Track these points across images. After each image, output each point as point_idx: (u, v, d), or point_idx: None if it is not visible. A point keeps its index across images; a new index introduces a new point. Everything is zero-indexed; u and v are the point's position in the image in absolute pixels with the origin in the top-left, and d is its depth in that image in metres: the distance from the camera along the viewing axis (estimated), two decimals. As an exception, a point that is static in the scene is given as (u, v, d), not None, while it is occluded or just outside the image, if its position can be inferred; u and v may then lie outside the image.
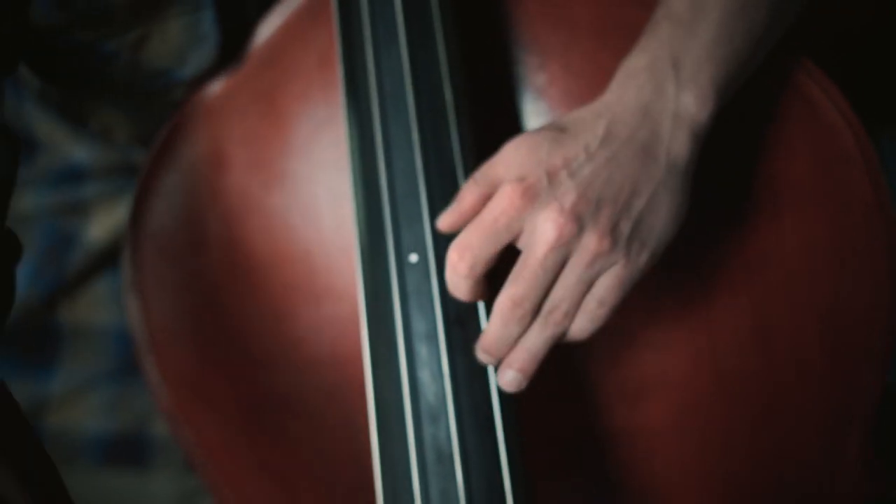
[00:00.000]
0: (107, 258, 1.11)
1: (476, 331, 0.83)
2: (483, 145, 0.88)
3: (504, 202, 0.78)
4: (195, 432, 0.99)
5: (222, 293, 0.95)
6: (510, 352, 0.80)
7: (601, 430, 0.89)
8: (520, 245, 0.79)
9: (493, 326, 0.79)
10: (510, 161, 0.79)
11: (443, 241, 0.83)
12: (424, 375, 0.82)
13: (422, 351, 0.82)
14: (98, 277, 1.13)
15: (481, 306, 0.83)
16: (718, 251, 0.88)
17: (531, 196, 0.78)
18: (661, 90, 0.80)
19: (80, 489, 1.16)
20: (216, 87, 0.97)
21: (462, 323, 0.82)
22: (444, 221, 0.82)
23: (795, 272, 0.88)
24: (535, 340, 0.80)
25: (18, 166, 0.88)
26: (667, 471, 0.90)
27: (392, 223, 0.84)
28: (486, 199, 0.80)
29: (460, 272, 0.79)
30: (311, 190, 0.93)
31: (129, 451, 1.16)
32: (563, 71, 0.90)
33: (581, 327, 0.80)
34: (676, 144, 0.80)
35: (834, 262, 0.88)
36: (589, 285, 0.79)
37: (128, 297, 1.01)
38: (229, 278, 0.95)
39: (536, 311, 0.79)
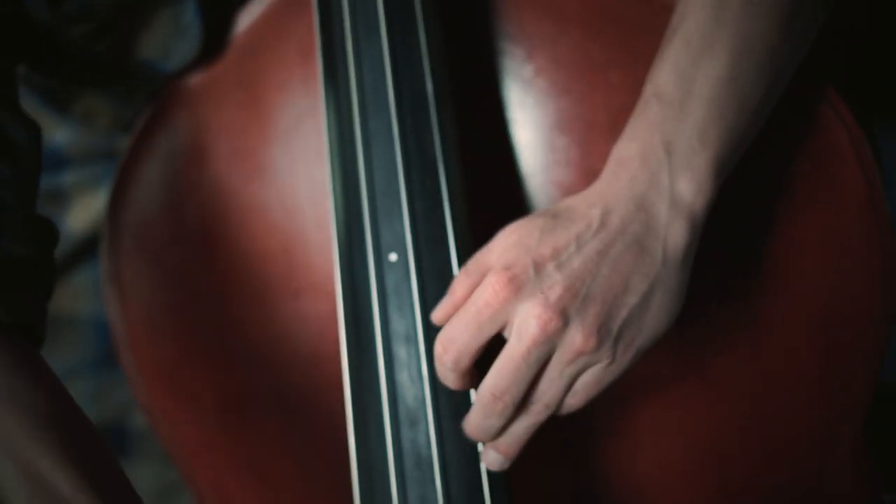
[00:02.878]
0: (87, 248, 1.10)
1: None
2: (466, 141, 0.86)
3: (488, 293, 0.74)
4: (173, 428, 0.98)
5: (201, 287, 0.94)
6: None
7: (586, 429, 0.87)
8: (505, 335, 0.76)
9: (475, 415, 0.77)
10: (500, 248, 0.76)
11: (423, 240, 0.81)
12: (403, 378, 0.80)
13: (401, 353, 0.80)
14: (79, 267, 1.11)
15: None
16: (708, 249, 0.86)
17: (516, 287, 0.74)
18: (655, 180, 0.76)
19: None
20: (195, 77, 0.95)
21: (443, 326, 0.80)
22: (438, 315, 0.79)
23: (786, 271, 0.86)
24: (517, 429, 0.77)
25: (42, 151, 0.86)
26: (654, 471, 0.88)
27: (371, 220, 0.82)
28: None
29: (446, 364, 0.76)
30: (291, 183, 0.91)
31: (109, 441, 1.14)
32: (551, 62, 0.87)
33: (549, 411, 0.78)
34: (673, 236, 0.76)
35: (825, 261, 0.86)
36: (571, 381, 0.76)
37: (106, 289, 0.99)
38: (208, 272, 0.93)
39: (518, 404, 0.76)
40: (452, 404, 0.79)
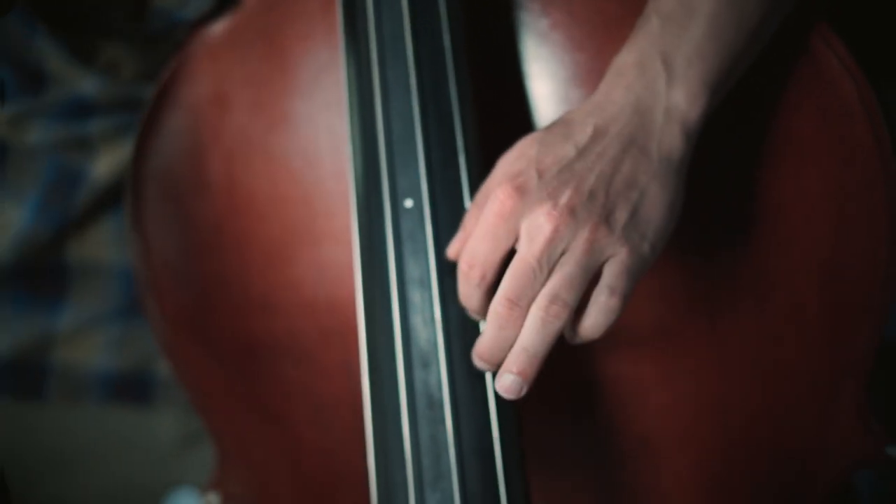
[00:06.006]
0: (113, 195, 1.12)
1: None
2: (482, 91, 0.87)
3: (496, 204, 0.76)
4: (194, 372, 1.00)
5: (222, 234, 0.96)
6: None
7: (593, 379, 0.89)
8: (517, 247, 0.77)
9: (489, 330, 0.77)
10: (501, 170, 0.79)
11: (438, 187, 0.83)
12: (417, 321, 0.82)
13: (415, 297, 0.82)
14: (105, 215, 1.14)
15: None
16: (716, 201, 0.87)
17: (522, 194, 0.76)
18: (652, 87, 0.79)
19: (86, 425, 1.18)
20: (218, 28, 0.97)
21: (456, 270, 0.82)
22: (452, 250, 0.82)
23: (795, 225, 0.87)
24: (534, 338, 0.76)
25: None
26: (659, 423, 0.90)
27: (388, 168, 0.84)
28: None
29: (472, 280, 0.78)
30: (312, 133, 0.93)
31: (134, 388, 1.17)
32: (566, 16, 0.89)
33: (594, 323, 0.77)
34: (668, 139, 0.78)
35: (834, 216, 0.87)
36: (588, 273, 0.76)
37: (129, 235, 1.01)
38: (229, 219, 0.95)
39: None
40: (464, 347, 0.81)
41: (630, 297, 0.77)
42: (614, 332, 0.85)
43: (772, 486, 0.92)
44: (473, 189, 0.83)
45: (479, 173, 0.83)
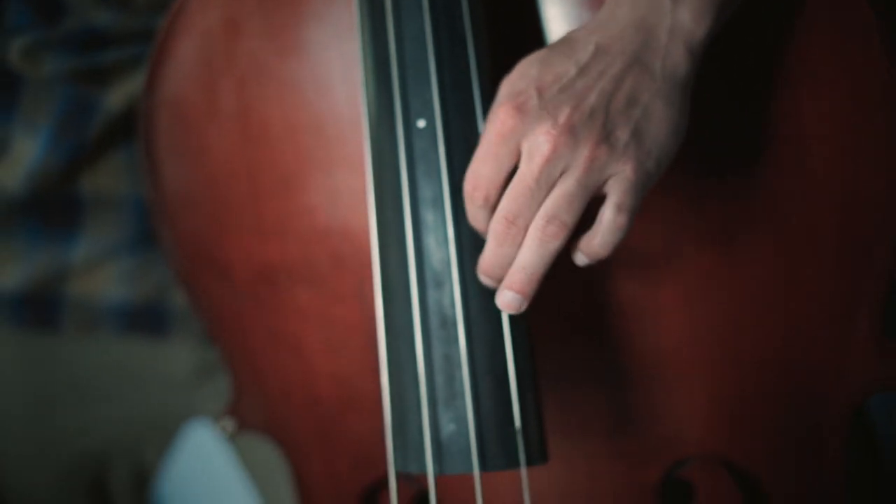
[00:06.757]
0: (127, 127, 1.12)
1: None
2: (494, 13, 0.87)
3: (496, 124, 0.76)
4: (209, 300, 1.00)
5: (235, 161, 0.96)
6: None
7: (607, 301, 0.89)
8: (518, 166, 0.77)
9: (489, 247, 0.78)
10: (504, 88, 0.78)
11: (451, 107, 0.83)
12: (430, 241, 0.82)
13: (428, 217, 0.82)
14: (118, 146, 1.14)
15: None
16: (730, 123, 0.87)
17: (522, 113, 0.76)
18: (657, 5, 0.78)
19: (100, 356, 1.19)
20: (230, -47, 0.96)
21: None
22: None
23: (810, 148, 0.87)
24: (531, 258, 0.76)
25: None
26: (673, 345, 0.90)
27: (400, 88, 0.83)
28: None
29: (477, 201, 0.78)
30: (324, 58, 0.93)
31: (149, 320, 1.18)
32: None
33: (602, 241, 0.77)
34: (672, 57, 0.78)
35: (850, 139, 0.87)
36: (588, 192, 0.76)
37: (142, 163, 1.01)
38: (242, 146, 0.95)
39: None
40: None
41: (636, 214, 0.77)
42: (628, 254, 0.86)
43: (786, 409, 0.92)
44: (486, 109, 0.83)
45: (492, 93, 0.83)
